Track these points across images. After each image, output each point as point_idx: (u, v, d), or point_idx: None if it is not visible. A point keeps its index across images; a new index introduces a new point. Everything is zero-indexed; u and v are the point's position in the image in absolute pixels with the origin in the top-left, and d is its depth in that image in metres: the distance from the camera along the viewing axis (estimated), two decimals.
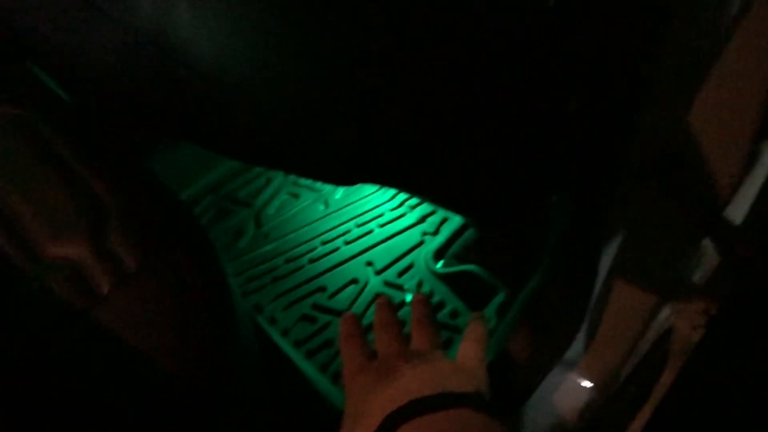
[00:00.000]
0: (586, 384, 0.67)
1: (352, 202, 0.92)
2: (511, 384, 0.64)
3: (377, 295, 0.81)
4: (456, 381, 0.44)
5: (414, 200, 0.92)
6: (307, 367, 0.75)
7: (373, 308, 0.80)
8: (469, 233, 0.85)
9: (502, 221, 0.71)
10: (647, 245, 0.58)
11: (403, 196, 0.93)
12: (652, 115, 0.55)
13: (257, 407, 0.59)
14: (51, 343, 0.43)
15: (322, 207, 0.91)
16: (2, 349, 0.41)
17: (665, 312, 0.60)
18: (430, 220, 0.90)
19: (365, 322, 0.78)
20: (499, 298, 0.79)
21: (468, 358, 0.50)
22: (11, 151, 0.46)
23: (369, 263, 0.85)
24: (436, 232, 0.88)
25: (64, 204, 0.45)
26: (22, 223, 0.45)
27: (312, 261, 0.85)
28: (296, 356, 0.76)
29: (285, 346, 0.77)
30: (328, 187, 0.94)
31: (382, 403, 0.42)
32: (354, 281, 0.83)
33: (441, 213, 0.90)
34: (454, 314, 0.80)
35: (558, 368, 0.65)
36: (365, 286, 0.82)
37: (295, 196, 0.93)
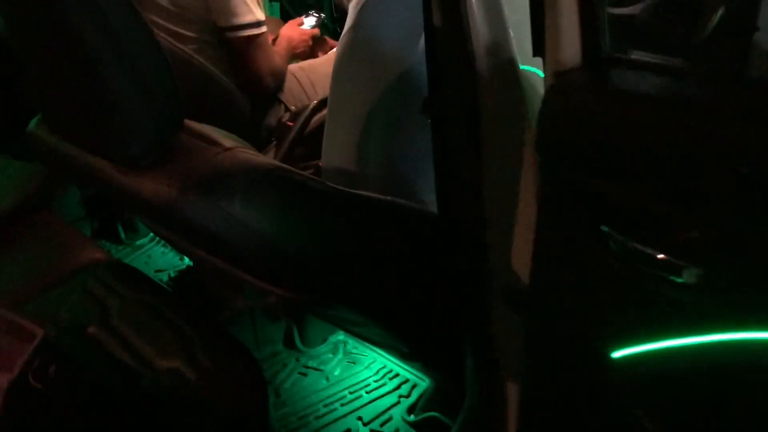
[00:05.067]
0: None
1: (347, 377, 1.25)
2: None
3: None
4: None
5: (392, 373, 1.25)
6: None
7: None
8: (429, 388, 1.16)
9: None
10: None
11: (384, 370, 1.25)
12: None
13: None
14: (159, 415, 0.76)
15: (324, 381, 1.24)
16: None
17: None
18: (404, 387, 1.21)
19: None
20: None
21: None
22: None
23: (359, 418, 1.15)
24: (408, 395, 1.19)
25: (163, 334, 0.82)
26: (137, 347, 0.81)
27: (317, 418, 1.15)
28: None
29: None
30: (329, 366, 1.28)
31: None
32: (348, 431, 1.12)
33: (412, 381, 1.22)
34: None
35: None
36: None
37: (304, 374, 1.26)
